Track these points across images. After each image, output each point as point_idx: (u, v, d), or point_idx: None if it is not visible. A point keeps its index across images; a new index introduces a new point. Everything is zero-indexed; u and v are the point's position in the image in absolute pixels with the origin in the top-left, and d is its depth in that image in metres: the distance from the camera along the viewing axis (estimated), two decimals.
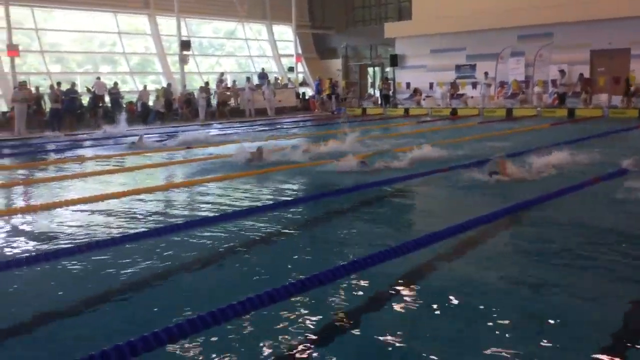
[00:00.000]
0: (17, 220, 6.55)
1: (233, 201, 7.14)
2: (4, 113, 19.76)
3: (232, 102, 25.91)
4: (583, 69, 21.94)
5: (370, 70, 31.63)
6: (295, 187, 8.30)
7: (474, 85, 24.98)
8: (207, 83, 24.81)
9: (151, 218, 6.38)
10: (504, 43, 23.91)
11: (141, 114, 22.48)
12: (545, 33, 22.87)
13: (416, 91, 26.40)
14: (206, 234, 5.57)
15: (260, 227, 5.85)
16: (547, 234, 5.34)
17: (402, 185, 7.86)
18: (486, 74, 23.56)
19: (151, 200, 7.41)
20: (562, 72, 21.75)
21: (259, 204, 6.91)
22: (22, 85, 18.78)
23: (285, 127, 19.92)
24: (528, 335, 3.27)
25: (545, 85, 23.11)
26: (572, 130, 15.06)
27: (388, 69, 29.08)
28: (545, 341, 3.17)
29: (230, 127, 19.88)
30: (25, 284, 4.44)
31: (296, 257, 4.85)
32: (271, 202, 7.03)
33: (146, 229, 5.79)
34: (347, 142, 11.73)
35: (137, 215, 6.52)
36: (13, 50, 19.81)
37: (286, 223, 6.02)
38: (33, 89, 20.07)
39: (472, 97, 24.65)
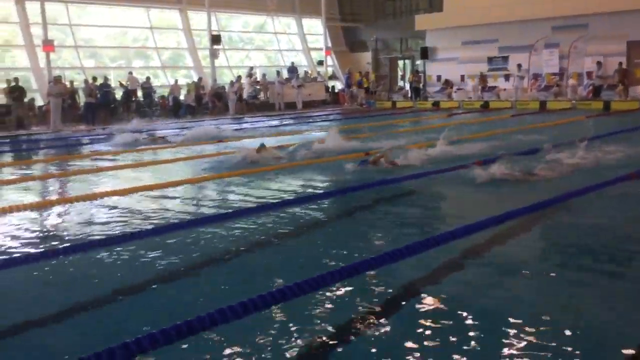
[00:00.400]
0: (53, 211, 6.70)
1: (251, 197, 7.11)
2: (40, 107, 20.19)
3: (261, 96, 26.04)
4: (619, 60, 21.36)
5: (400, 63, 31.39)
6: (304, 184, 7.97)
7: (507, 77, 24.58)
8: (239, 77, 24.96)
9: (174, 211, 6.43)
10: (538, 34, 23.42)
11: (173, 108, 22.75)
12: (580, 24, 22.35)
13: (447, 84, 26.12)
14: (217, 230, 5.55)
15: (283, 222, 5.85)
16: (574, 232, 5.23)
17: (419, 183, 7.55)
18: (519, 66, 23.14)
19: (172, 195, 7.48)
20: (599, 63, 21.24)
21: (273, 201, 6.74)
22: (57, 80, 19.15)
23: (310, 120, 19.90)
24: (552, 339, 3.21)
25: (580, 77, 22.59)
26: (607, 123, 14.71)
27: (418, 62, 28.81)
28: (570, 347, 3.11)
29: (258, 121, 19.96)
30: (65, 272, 4.55)
31: (322, 250, 4.84)
32: (289, 198, 6.90)
33: (176, 221, 5.87)
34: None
35: (163, 209, 6.59)
36: (48, 45, 20.20)
37: (305, 219, 5.99)
38: (68, 84, 20.47)
39: (504, 89, 24.26)
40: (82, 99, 20.70)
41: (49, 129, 18.49)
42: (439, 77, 27.12)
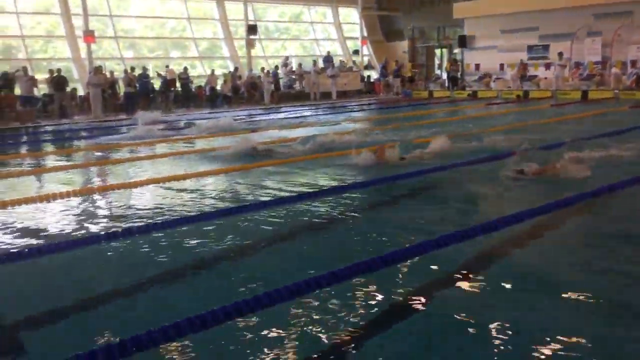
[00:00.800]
0: (92, 198, 6.88)
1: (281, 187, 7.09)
2: (81, 97, 20.66)
3: (297, 85, 26.10)
4: None
5: (437, 52, 30.99)
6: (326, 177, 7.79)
7: (547, 66, 24.03)
8: (276, 67, 25.03)
9: (214, 199, 6.54)
10: (580, 22, 22.81)
11: (209, 97, 22.99)
12: (624, 11, 21.66)
13: (486, 73, 25.70)
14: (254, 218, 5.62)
15: (320, 211, 5.89)
16: (615, 224, 5.11)
17: (444, 175, 7.40)
18: (560, 54, 22.58)
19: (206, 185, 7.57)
20: None
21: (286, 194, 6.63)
22: (97, 70, 19.56)
23: (343, 110, 19.84)
24: (603, 319, 3.16)
25: (624, 66, 21.92)
26: None
27: (456, 51, 28.40)
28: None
29: (294, 111, 20.03)
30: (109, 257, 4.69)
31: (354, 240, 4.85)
32: (315, 189, 6.83)
33: (216, 209, 5.97)
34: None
35: (201, 196, 6.71)
36: (89, 36, 20.61)
37: (341, 209, 5.99)
38: (108, 74, 20.90)
39: (545, 78, 23.74)
40: (122, 89, 21.11)
41: (90, 117, 18.92)
42: (477, 66, 26.69)
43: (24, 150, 12.85)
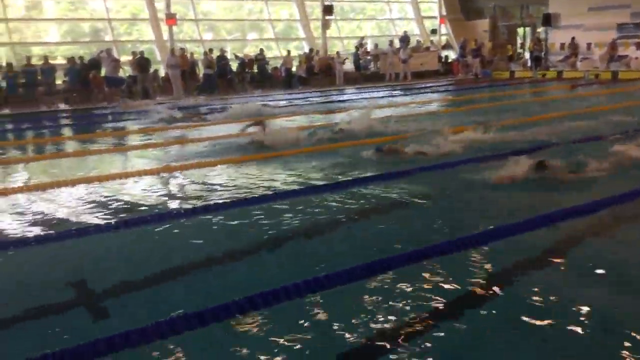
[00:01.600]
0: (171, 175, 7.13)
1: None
2: (162, 78, 21.38)
3: (372, 66, 25.85)
4: None
5: (520, 30, 29.75)
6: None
7: (638, 45, 22.55)
8: (357, 48, 24.74)
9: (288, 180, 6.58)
10: None
11: (285, 79, 23.20)
12: None
13: (572, 52, 24.45)
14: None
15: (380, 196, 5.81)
16: None
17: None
18: None
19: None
20: None
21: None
22: (176, 52, 20.16)
23: (415, 92, 19.48)
24: None
25: None
26: None
27: (540, 29, 27.15)
28: None
29: (360, 93, 19.86)
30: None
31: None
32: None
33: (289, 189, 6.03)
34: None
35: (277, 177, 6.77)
36: (171, 19, 21.22)
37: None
38: (188, 56, 21.49)
39: (636, 58, 22.31)
40: (201, 70, 21.68)
41: (171, 98, 19.56)
42: (562, 46, 25.44)
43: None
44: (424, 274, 3.61)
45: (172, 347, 2.84)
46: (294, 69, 23.74)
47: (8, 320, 3.26)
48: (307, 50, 25.29)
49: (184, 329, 2.91)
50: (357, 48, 25.13)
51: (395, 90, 20.45)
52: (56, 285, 3.73)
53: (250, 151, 8.34)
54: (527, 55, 27.02)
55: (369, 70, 25.46)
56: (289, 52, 24.27)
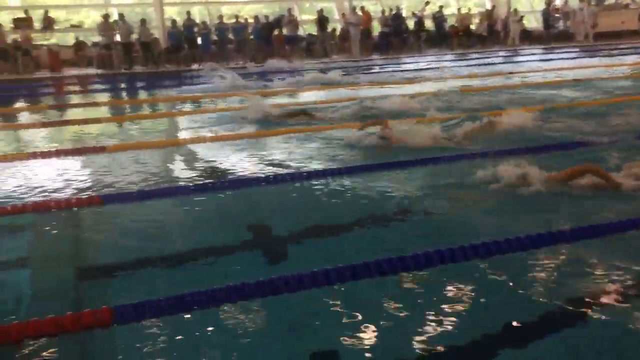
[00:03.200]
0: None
1: None
2: (339, 36, 21.65)
3: (559, 24, 23.86)
4: None
5: None
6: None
7: None
8: (548, 3, 22.96)
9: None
10: None
11: (462, 38, 22.30)
12: None
13: None
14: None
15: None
16: None
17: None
18: None
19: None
20: None
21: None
22: (354, 10, 20.26)
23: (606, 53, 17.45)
24: None
25: None
26: None
27: None
28: None
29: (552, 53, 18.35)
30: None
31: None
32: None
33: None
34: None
35: None
36: None
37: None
38: (360, 13, 21.47)
39: None
40: (376, 29, 21.57)
41: (349, 57, 19.76)
42: None
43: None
44: None
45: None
46: (473, 27, 22.72)
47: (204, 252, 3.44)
48: (488, 7, 23.99)
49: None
50: (547, 4, 23.24)
51: (585, 51, 18.66)
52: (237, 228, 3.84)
53: None
54: None
55: (556, 29, 23.53)
56: (469, 9, 23.23)
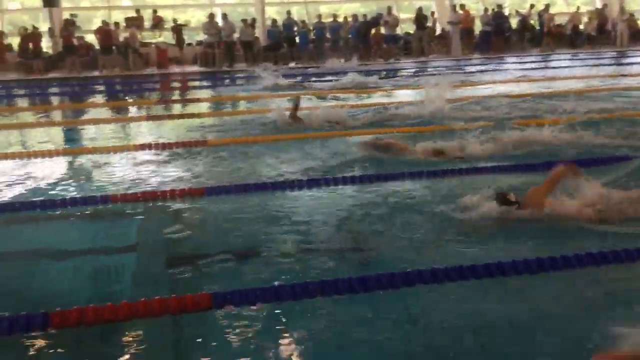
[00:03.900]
0: None
1: None
2: (438, 35, 21.27)
3: None
4: None
5: None
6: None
7: None
8: None
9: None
10: None
11: (571, 37, 21.24)
12: None
13: None
14: None
15: None
16: None
17: None
18: None
19: None
20: None
21: None
22: (455, 8, 19.82)
23: None
24: None
25: None
26: None
27: None
28: None
29: None
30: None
31: None
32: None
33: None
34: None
35: None
36: None
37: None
38: (461, 12, 20.93)
39: None
40: (478, 28, 20.99)
41: (448, 56, 19.38)
42: None
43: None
44: None
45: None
46: (581, 26, 21.58)
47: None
48: (599, 5, 22.67)
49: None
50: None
51: None
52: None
53: None
54: None
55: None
56: (578, 7, 22.08)
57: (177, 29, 19.49)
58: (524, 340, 2.45)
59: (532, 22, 21.49)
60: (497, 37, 20.60)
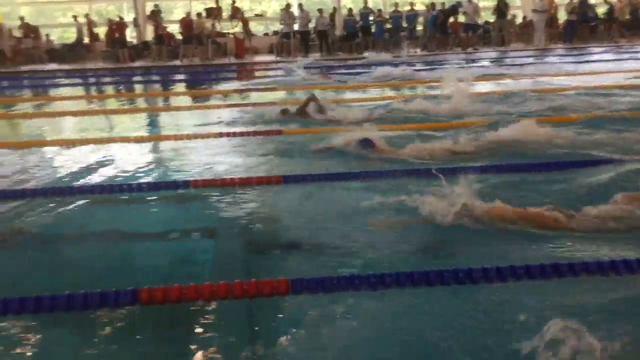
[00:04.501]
0: None
1: None
2: (520, 24, 20.57)
3: None
4: None
5: None
6: None
7: None
8: None
9: None
10: None
11: None
12: None
13: None
14: None
15: None
16: None
17: None
18: None
19: None
20: None
21: None
22: None
23: None
24: None
25: None
26: None
27: None
28: None
29: None
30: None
31: None
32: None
33: None
34: None
35: None
36: None
37: None
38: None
39: None
40: (563, 16, 20.17)
41: (529, 45, 18.72)
42: None
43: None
44: None
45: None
46: None
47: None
48: None
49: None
50: None
51: None
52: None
53: None
54: None
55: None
56: None
57: (244, 20, 19.87)
58: None
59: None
60: (583, 26, 19.71)
